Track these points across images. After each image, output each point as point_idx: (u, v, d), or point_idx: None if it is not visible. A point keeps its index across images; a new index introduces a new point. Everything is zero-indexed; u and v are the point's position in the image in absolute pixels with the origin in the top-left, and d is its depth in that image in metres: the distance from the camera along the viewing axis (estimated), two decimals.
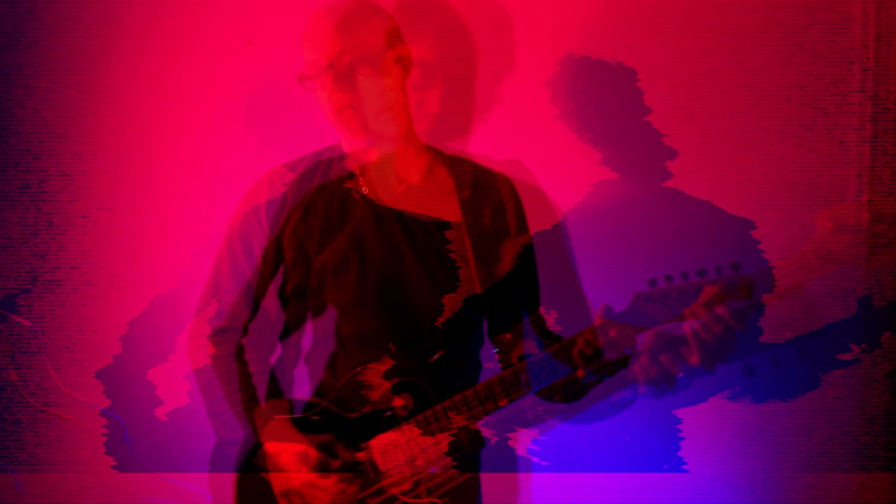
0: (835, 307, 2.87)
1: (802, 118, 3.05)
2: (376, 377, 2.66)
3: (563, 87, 3.13)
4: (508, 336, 2.75)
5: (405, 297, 2.69)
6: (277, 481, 2.68)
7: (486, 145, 3.02)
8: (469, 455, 2.66)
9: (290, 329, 2.85)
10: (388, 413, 2.65)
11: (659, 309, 2.41)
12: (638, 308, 2.43)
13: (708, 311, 2.39)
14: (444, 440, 2.59)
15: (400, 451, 2.64)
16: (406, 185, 2.79)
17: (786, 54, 3.07)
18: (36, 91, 3.20)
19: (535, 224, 2.85)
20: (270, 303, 2.85)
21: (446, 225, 2.75)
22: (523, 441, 3.01)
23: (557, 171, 3.07)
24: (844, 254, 2.45)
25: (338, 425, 2.68)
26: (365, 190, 2.78)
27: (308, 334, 2.78)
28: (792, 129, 3.05)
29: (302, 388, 2.79)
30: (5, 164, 3.19)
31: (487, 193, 2.79)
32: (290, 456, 2.67)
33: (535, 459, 2.98)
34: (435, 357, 2.67)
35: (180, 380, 3.01)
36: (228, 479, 2.82)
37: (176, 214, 3.22)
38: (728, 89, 3.08)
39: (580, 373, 2.52)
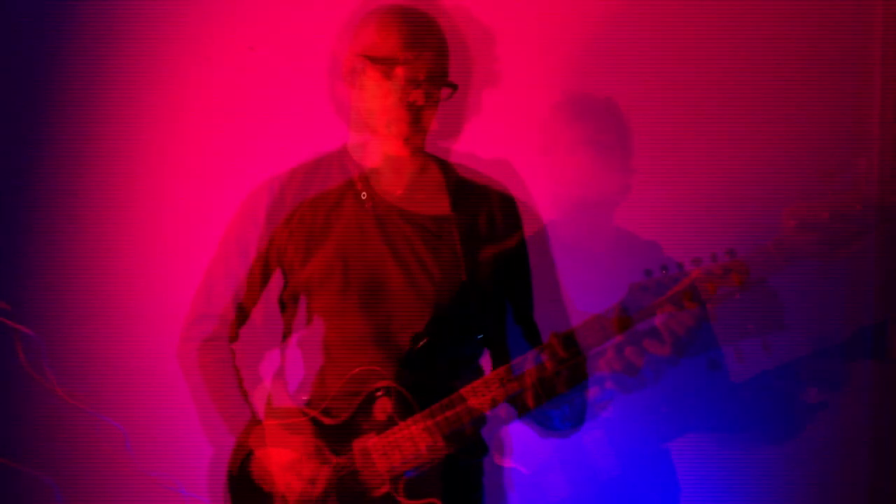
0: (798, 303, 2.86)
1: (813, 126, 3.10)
2: (360, 383, 2.65)
3: (555, 82, 3.16)
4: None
5: (389, 303, 2.70)
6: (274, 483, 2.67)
7: (472, 145, 3.03)
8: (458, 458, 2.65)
9: (286, 336, 2.83)
10: (368, 418, 2.64)
11: (654, 298, 2.44)
12: (634, 298, 2.45)
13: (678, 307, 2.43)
14: (422, 442, 2.59)
15: (381, 453, 2.62)
16: (408, 188, 2.78)
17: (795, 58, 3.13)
18: (36, 94, 3.22)
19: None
20: (259, 310, 2.85)
21: (438, 218, 2.75)
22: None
23: (548, 169, 3.08)
24: (807, 251, 2.46)
25: (319, 431, 2.67)
26: (366, 194, 2.76)
27: (294, 344, 2.80)
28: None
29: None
30: (3, 166, 3.21)
31: (480, 202, 2.79)
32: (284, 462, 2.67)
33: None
34: (420, 343, 2.67)
35: (180, 386, 2.98)
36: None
37: (176, 219, 3.25)
38: (728, 86, 3.13)
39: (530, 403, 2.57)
